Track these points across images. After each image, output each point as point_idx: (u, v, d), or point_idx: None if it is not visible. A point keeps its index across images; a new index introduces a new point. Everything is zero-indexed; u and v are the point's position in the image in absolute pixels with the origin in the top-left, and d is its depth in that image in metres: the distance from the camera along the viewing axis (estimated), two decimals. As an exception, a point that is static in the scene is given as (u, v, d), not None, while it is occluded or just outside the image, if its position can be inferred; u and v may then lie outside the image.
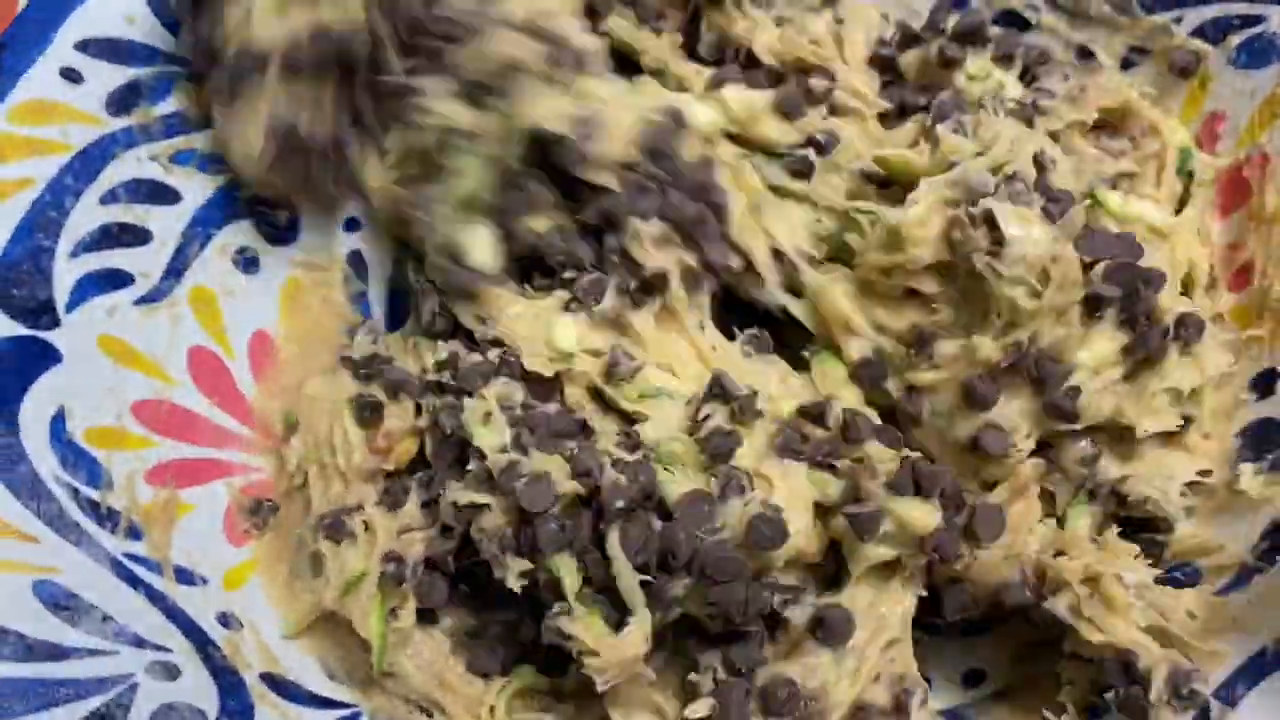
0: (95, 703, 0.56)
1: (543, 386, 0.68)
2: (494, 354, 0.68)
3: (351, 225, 0.84)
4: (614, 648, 0.59)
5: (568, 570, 0.61)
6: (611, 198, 0.69)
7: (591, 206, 0.70)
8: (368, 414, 0.69)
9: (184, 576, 0.66)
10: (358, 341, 0.76)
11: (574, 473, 0.62)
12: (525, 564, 0.62)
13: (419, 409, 0.70)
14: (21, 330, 0.65)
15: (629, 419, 0.67)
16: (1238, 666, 0.56)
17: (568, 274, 0.71)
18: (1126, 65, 0.78)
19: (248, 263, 0.79)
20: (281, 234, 0.81)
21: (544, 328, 0.69)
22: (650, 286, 0.69)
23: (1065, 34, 0.80)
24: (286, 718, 0.62)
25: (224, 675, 0.62)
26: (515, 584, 0.62)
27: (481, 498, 0.63)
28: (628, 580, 0.59)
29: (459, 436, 0.66)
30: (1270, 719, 0.53)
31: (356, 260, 0.84)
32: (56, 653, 0.56)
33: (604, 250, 0.70)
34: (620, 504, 0.59)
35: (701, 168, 0.71)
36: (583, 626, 0.60)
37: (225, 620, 0.66)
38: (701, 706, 0.59)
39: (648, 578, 0.59)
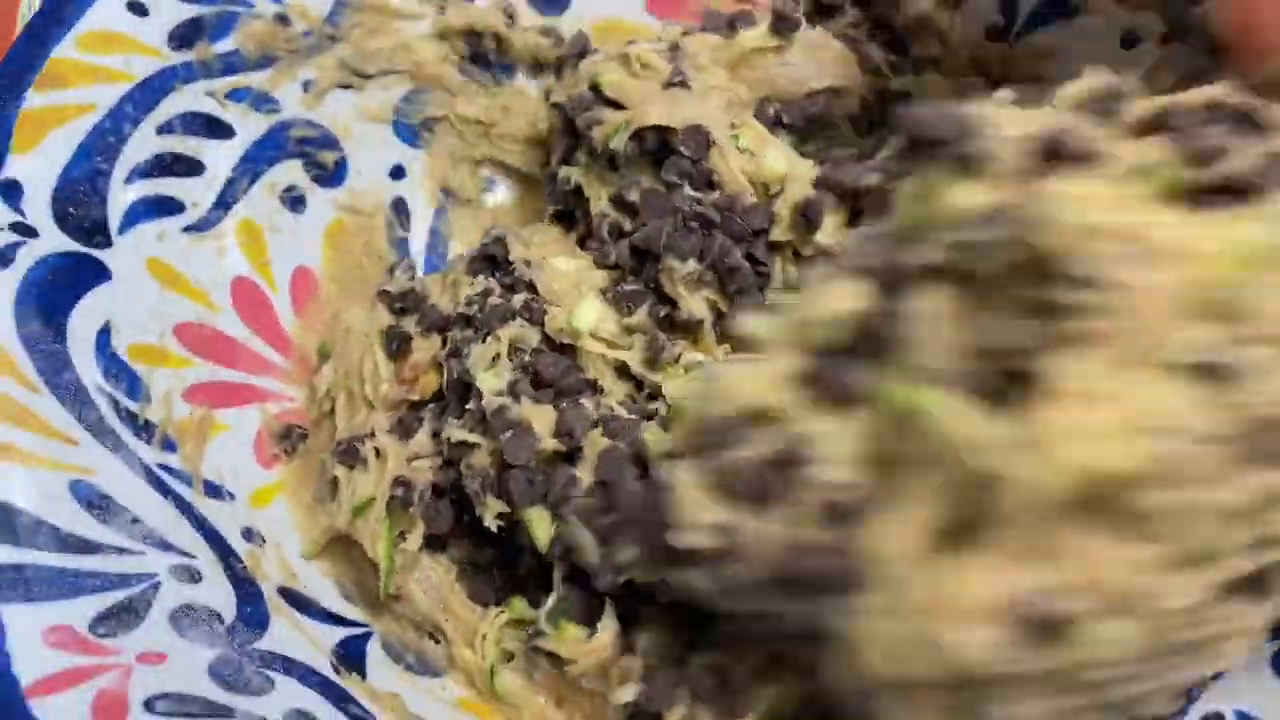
0: (119, 595, 0.59)
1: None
2: (520, 298, 0.70)
3: (397, 173, 0.87)
4: (588, 652, 0.63)
5: (540, 523, 0.63)
6: (653, 229, 0.69)
7: (639, 230, 0.70)
8: (396, 346, 0.72)
9: (212, 490, 0.69)
10: (396, 277, 0.78)
11: (557, 431, 0.64)
12: (502, 506, 0.64)
13: (445, 343, 0.72)
14: (76, 247, 0.69)
15: (641, 383, 0.69)
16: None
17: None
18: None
19: (294, 201, 0.82)
20: (328, 176, 0.84)
21: (574, 298, 0.70)
22: (682, 325, 0.70)
23: (1113, 16, 0.80)
24: (300, 629, 0.65)
25: (243, 585, 0.65)
26: (491, 524, 0.65)
27: (473, 437, 0.66)
28: (587, 552, 0.60)
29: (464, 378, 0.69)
30: (1252, 689, 0.54)
31: (400, 207, 0.87)
32: (86, 547, 0.59)
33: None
34: (588, 474, 0.62)
35: (758, 214, 0.69)
36: (558, 642, 0.63)
37: (249, 535, 0.69)
38: (629, 692, 0.62)
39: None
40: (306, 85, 0.82)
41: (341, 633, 0.68)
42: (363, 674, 0.65)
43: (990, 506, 0.43)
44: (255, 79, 0.79)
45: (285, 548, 0.70)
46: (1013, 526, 0.43)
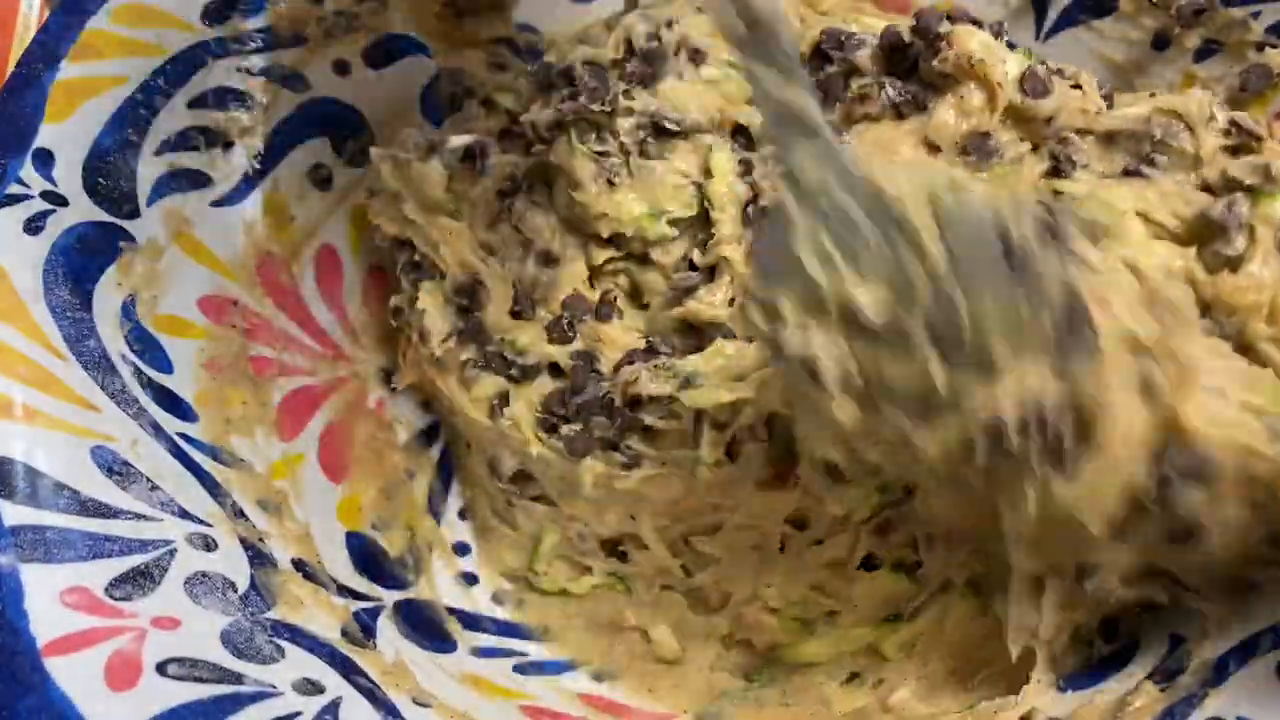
0: (136, 560, 0.59)
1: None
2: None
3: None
4: None
5: None
6: None
7: None
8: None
9: (231, 460, 0.70)
10: None
11: None
12: None
13: None
14: (104, 216, 0.70)
15: None
16: (1231, 646, 0.57)
17: None
18: (1200, 57, 0.78)
19: (323, 180, 0.83)
20: (357, 156, 0.84)
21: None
22: None
23: (1142, 21, 0.80)
24: (315, 597, 0.66)
25: (257, 554, 0.66)
26: None
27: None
28: None
29: None
30: (1255, 696, 0.53)
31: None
32: (105, 511, 0.60)
33: None
34: None
35: None
36: None
37: (266, 506, 0.70)
38: None
39: None
40: (336, 64, 0.83)
41: (354, 605, 0.68)
42: (373, 646, 0.66)
43: None
44: (286, 56, 0.80)
45: (301, 518, 0.71)
46: None
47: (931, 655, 0.67)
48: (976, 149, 0.68)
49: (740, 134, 0.81)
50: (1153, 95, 0.71)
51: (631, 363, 0.73)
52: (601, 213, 0.78)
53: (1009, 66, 0.69)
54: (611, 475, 0.71)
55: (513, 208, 0.81)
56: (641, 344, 0.76)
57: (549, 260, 0.79)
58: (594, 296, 0.78)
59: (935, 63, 0.69)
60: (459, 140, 0.80)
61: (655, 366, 0.71)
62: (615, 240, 0.80)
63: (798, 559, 0.67)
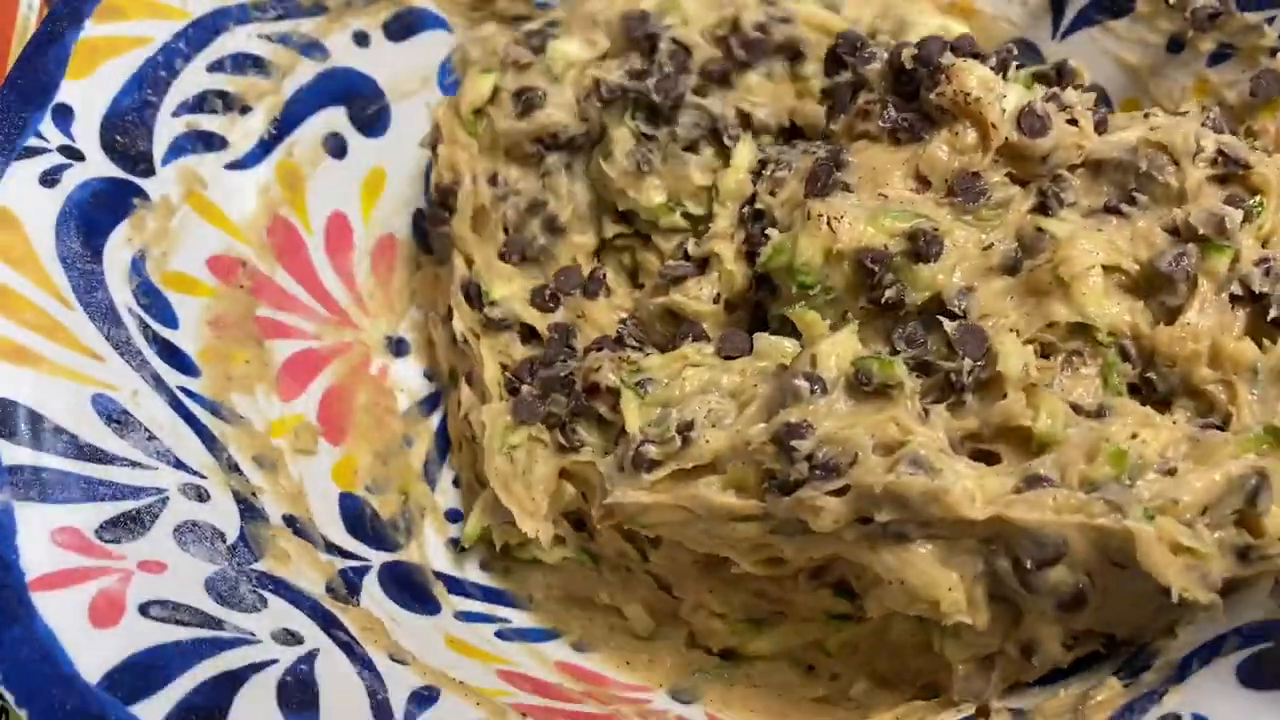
0: (128, 505, 0.61)
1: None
2: None
3: (439, 129, 0.89)
4: None
5: None
6: None
7: None
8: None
9: (231, 416, 0.71)
10: None
11: None
12: None
13: None
14: (119, 173, 0.71)
15: None
16: (1197, 645, 0.57)
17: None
18: (1214, 61, 0.77)
19: (336, 148, 0.84)
20: (371, 126, 0.86)
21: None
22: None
23: (1158, 23, 0.80)
24: (303, 553, 0.67)
25: (249, 508, 0.67)
26: None
27: None
28: None
29: None
30: (1213, 694, 0.54)
31: (439, 160, 0.88)
32: (102, 457, 0.62)
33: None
34: None
35: None
36: None
37: (262, 462, 0.71)
38: None
39: None
40: (356, 35, 0.84)
41: (341, 563, 0.70)
42: (356, 603, 0.68)
43: None
44: (307, 25, 0.82)
45: (295, 476, 0.73)
46: None
47: (876, 656, 0.69)
48: (964, 190, 0.67)
49: (796, 134, 0.81)
50: (1147, 116, 0.70)
51: (600, 349, 0.73)
52: (621, 190, 0.79)
53: (1008, 102, 0.67)
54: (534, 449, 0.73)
55: (545, 159, 0.82)
56: (615, 331, 0.77)
57: (554, 228, 0.81)
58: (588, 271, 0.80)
59: (933, 95, 0.69)
60: (521, 80, 0.81)
61: (619, 359, 0.71)
62: (628, 215, 0.81)
63: (737, 571, 0.68)
